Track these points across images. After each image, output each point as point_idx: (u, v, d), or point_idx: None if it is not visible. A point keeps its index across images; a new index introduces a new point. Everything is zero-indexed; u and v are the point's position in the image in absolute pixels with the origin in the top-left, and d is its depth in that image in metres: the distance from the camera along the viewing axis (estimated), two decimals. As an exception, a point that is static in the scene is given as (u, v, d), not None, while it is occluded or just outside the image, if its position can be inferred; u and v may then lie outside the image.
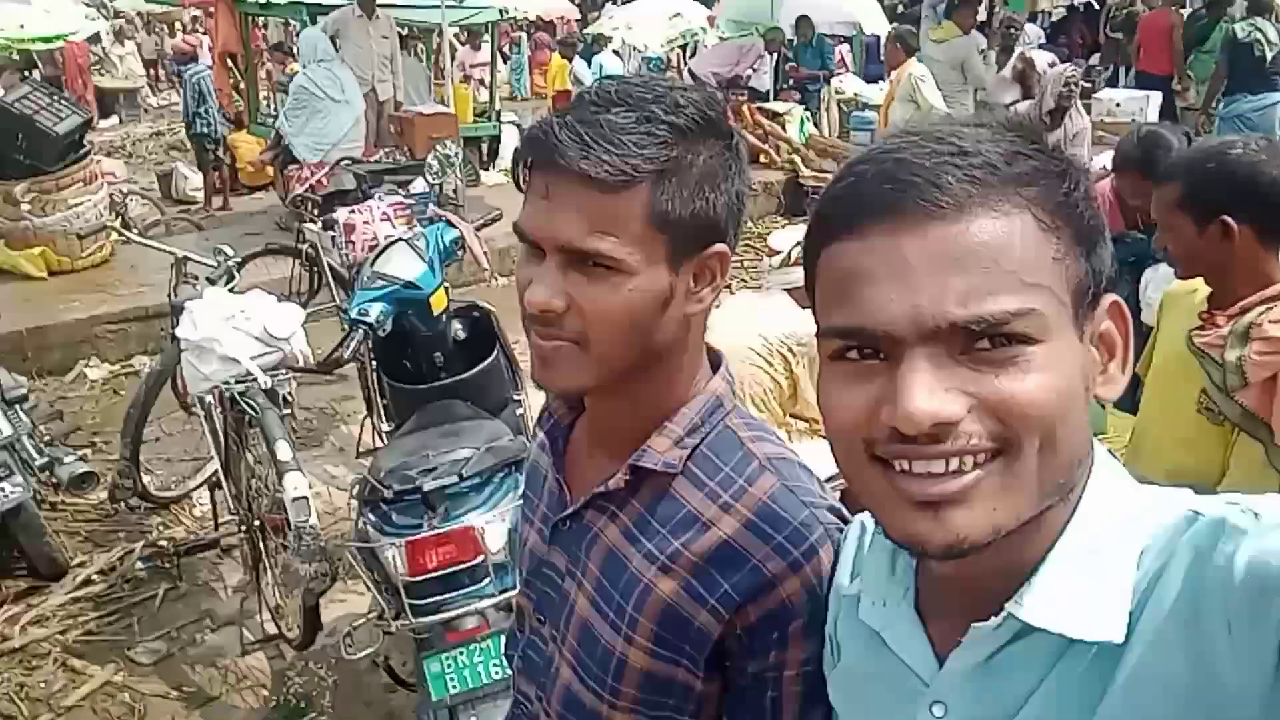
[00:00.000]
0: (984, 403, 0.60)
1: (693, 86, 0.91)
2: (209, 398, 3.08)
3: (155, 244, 4.52)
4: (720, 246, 0.91)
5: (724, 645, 0.92)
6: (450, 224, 3.36)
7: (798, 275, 3.42)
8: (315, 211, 4.80)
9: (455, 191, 6.23)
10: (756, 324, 3.07)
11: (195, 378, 2.87)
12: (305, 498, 2.69)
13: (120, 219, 6.63)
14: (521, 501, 1.16)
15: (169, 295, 3.94)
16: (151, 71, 16.10)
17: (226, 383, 2.84)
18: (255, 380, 2.83)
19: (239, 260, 3.66)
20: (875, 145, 0.65)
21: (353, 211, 4.18)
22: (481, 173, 8.76)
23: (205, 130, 8.52)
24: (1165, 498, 0.67)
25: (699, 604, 0.91)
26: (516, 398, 3.32)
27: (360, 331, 3.05)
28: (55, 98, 6.17)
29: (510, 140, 8.98)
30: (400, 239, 3.24)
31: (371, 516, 2.37)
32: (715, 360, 1.02)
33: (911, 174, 0.61)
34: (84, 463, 3.43)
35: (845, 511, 0.96)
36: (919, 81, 6.42)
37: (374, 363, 3.37)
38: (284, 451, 2.74)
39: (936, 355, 0.60)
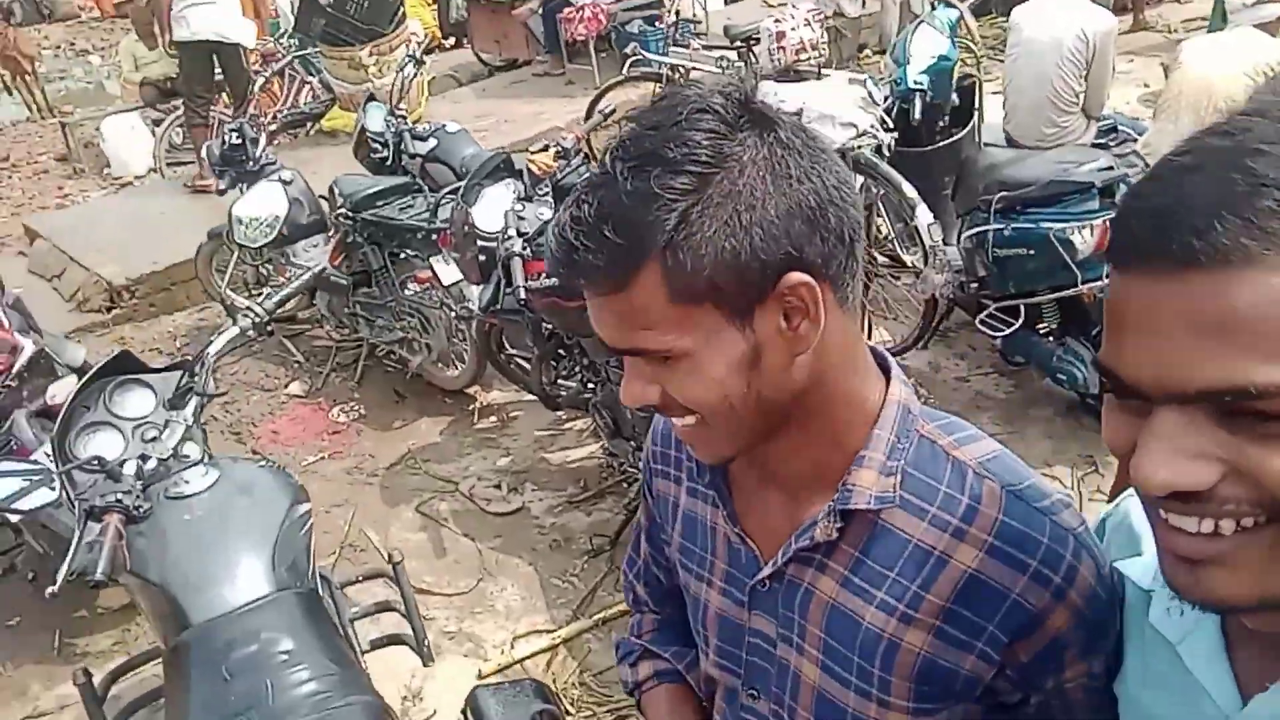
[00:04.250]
0: (1241, 471, 0.53)
1: (718, 90, 0.75)
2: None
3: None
4: (795, 277, 0.73)
5: (994, 683, 0.82)
6: (950, 4, 4.01)
7: (1269, 10, 4.05)
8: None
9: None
10: (1239, 51, 3.72)
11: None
12: (934, 223, 3.50)
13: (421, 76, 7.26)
14: (681, 554, 1.00)
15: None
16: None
17: (849, 144, 3.59)
18: (872, 139, 3.59)
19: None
20: (1167, 159, 0.57)
21: (777, 20, 4.82)
22: None
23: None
24: None
25: (964, 650, 0.81)
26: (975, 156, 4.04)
27: (917, 99, 3.80)
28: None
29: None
30: (923, 20, 3.92)
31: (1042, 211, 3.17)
32: (882, 363, 0.88)
33: (1183, 214, 0.52)
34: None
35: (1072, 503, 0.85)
36: None
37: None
38: (909, 190, 3.53)
39: (1188, 414, 0.54)
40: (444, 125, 4.52)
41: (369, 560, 3.24)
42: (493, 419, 3.93)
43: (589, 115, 5.83)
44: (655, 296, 0.73)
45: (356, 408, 4.14)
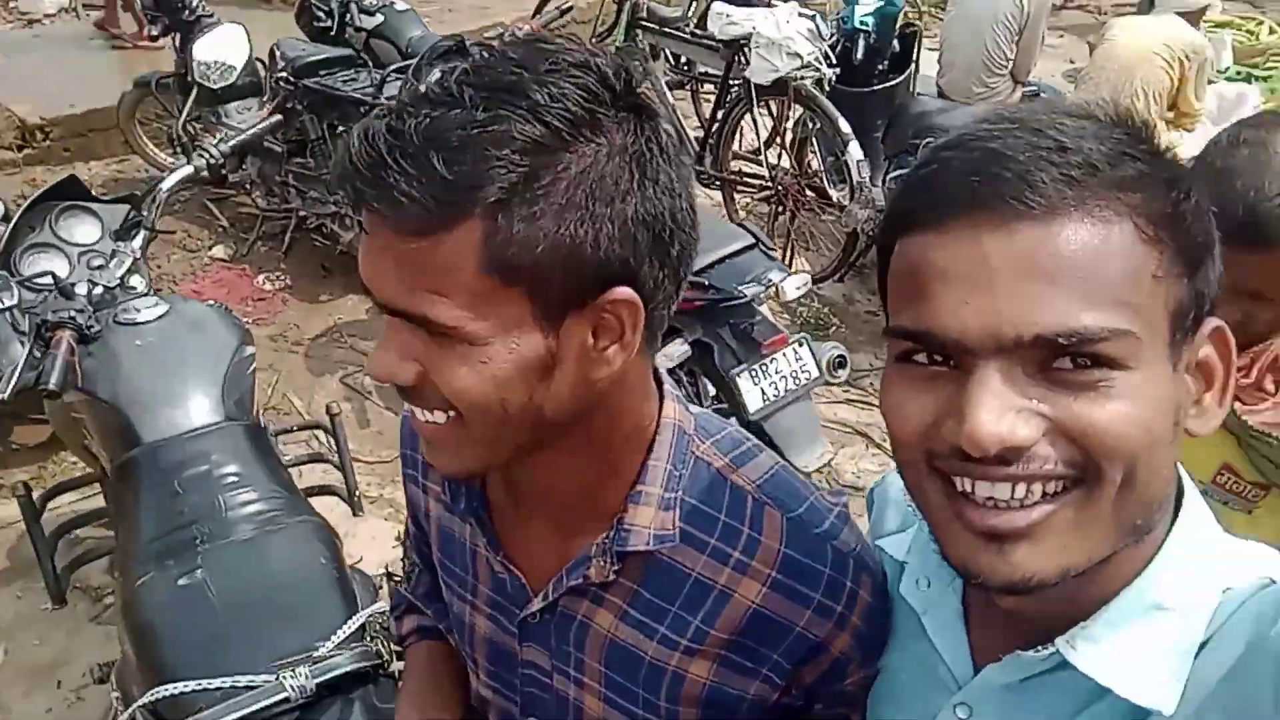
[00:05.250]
0: (1061, 427, 0.54)
1: (597, 53, 0.65)
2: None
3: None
4: (622, 292, 0.65)
5: (781, 699, 0.82)
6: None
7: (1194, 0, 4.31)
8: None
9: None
10: (1161, 34, 3.98)
11: (764, 68, 3.75)
12: (864, 160, 3.68)
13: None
14: (441, 567, 0.93)
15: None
16: None
17: (792, 74, 3.73)
18: (815, 71, 3.73)
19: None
20: (965, 130, 0.59)
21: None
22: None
23: None
24: (1248, 556, 0.63)
25: (749, 677, 0.79)
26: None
27: (860, 39, 3.96)
28: None
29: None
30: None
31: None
32: (656, 378, 0.80)
33: (1002, 167, 0.54)
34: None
35: (847, 504, 0.84)
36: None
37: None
38: (845, 126, 3.69)
39: (1010, 370, 0.54)
40: (392, 3, 4.44)
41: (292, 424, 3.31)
42: (419, 302, 3.99)
43: (538, 11, 5.78)
44: (465, 259, 0.61)
45: (282, 278, 4.13)
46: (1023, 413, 0.54)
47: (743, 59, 3.95)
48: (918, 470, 0.60)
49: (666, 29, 4.36)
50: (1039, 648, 0.62)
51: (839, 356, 2.60)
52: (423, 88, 0.63)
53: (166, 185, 2.03)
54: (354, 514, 2.28)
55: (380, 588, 1.77)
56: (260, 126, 2.36)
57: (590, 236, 0.63)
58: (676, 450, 0.78)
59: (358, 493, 2.26)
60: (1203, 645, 0.59)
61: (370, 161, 0.60)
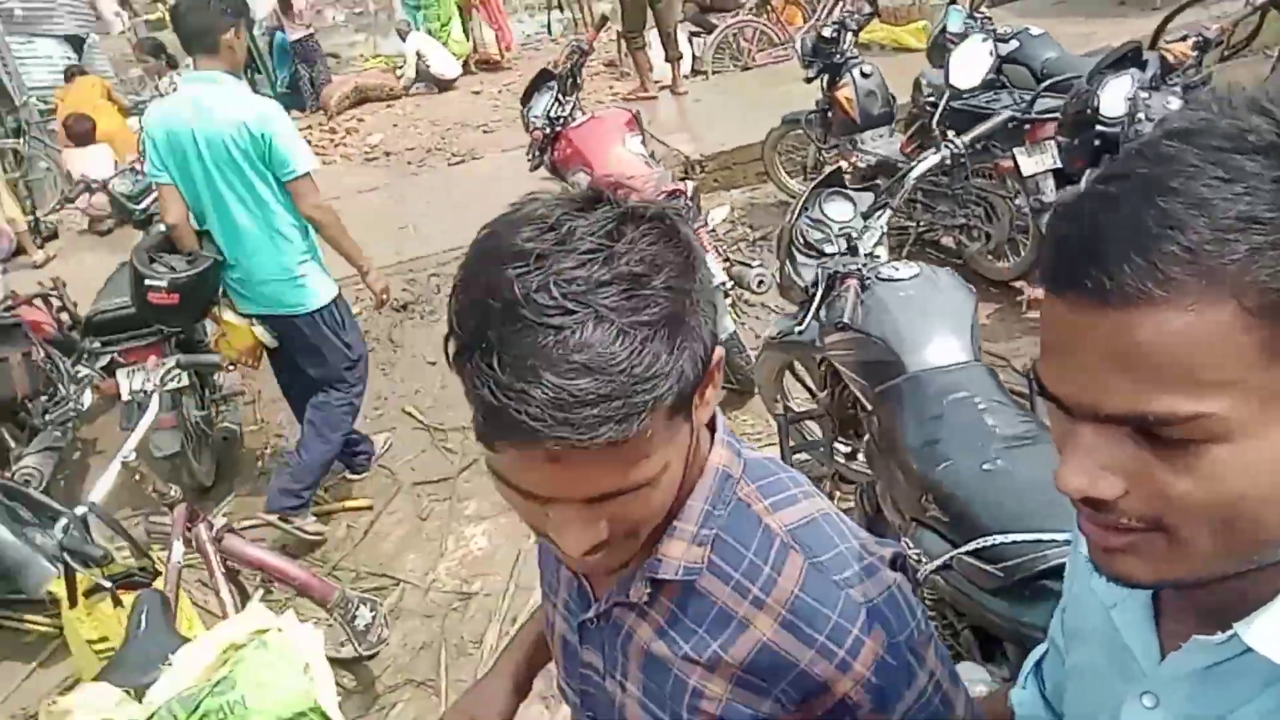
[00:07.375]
0: (1144, 487, 0.57)
1: (645, 231, 0.69)
2: None
3: None
4: (718, 352, 0.76)
5: None
6: None
7: None
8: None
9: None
10: None
11: None
12: None
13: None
14: (540, 565, 1.08)
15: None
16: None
17: None
18: None
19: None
20: (1099, 180, 0.57)
21: None
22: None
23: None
24: None
25: (761, 696, 0.84)
26: None
27: None
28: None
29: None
30: None
31: None
32: (711, 423, 0.88)
33: (1097, 252, 0.55)
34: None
35: (901, 549, 0.88)
36: None
37: None
38: None
39: (1106, 429, 0.57)
40: (1028, 29, 4.65)
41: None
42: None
43: (1157, 37, 5.59)
44: (657, 422, 0.69)
45: (901, 285, 4.54)
46: (1106, 470, 0.58)
47: None
48: None
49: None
50: (1219, 632, 0.63)
51: None
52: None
53: (915, 173, 2.45)
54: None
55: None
56: (991, 123, 2.68)
57: (705, 340, 0.72)
58: (716, 493, 0.86)
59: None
60: None
61: (568, 407, 0.65)
